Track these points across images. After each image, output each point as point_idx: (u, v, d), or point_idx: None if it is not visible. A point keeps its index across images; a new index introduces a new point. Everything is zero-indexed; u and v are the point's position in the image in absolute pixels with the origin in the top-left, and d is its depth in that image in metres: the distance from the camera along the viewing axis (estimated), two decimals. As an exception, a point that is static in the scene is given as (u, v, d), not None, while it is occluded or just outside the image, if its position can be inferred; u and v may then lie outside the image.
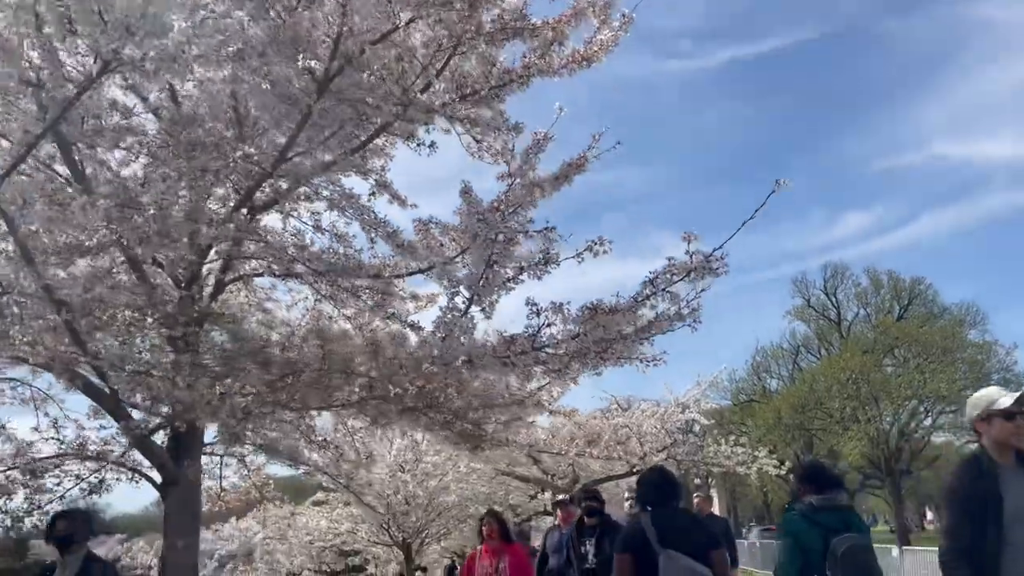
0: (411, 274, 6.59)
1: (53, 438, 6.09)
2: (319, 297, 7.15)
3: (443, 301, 4.55)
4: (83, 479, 5.98)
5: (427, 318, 6.02)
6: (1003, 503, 3.43)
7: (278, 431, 5.50)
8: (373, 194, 5.46)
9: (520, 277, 4.39)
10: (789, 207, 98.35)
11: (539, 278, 4.36)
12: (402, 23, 4.73)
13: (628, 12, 5.13)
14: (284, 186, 5.87)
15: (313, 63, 4.19)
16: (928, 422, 43.49)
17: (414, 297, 7.42)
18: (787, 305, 55.01)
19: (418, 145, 4.95)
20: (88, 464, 6.03)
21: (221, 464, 7.57)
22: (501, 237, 4.16)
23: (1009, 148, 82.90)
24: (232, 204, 5.57)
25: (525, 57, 5.63)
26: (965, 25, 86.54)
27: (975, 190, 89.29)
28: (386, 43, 4.66)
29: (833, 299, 53.83)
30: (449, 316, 4.26)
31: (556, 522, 7.96)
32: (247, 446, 6.24)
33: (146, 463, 6.24)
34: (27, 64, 4.01)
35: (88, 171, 4.72)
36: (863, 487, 50.68)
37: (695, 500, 10.29)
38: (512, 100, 5.68)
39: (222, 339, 4.97)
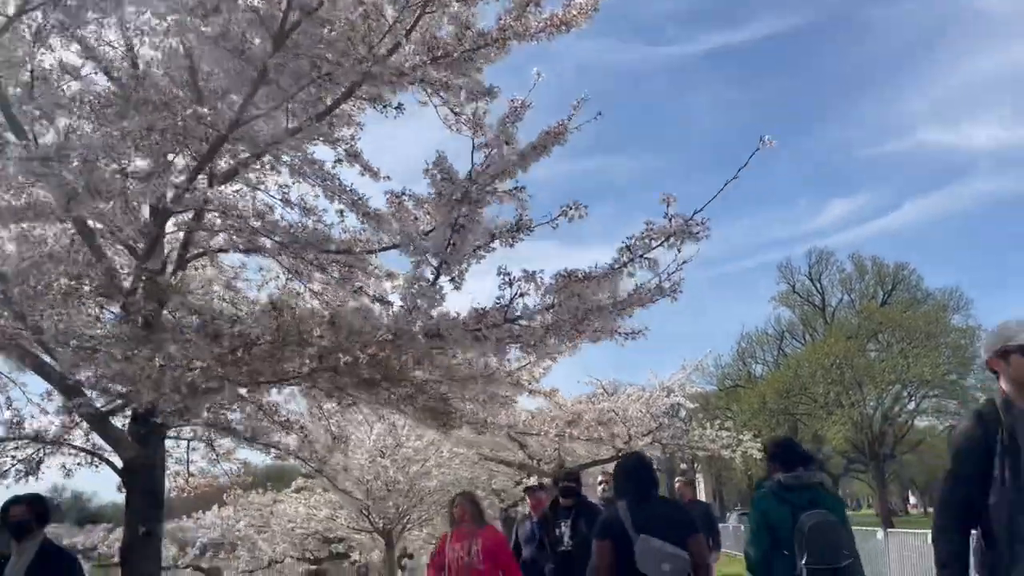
0: (383, 249, 6.31)
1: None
2: (290, 276, 6.88)
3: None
4: (19, 460, 5.69)
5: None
6: (1021, 454, 2.97)
7: (239, 410, 5.26)
8: (339, 161, 5.18)
9: (491, 245, 4.14)
10: (775, 195, 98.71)
11: (511, 245, 4.11)
12: (366, -24, 4.46)
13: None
14: (246, 154, 5.59)
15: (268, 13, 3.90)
16: (911, 406, 43.83)
17: (390, 276, 7.15)
18: (772, 292, 55.22)
19: (384, 107, 4.67)
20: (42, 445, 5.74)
21: (188, 448, 7.30)
22: (467, 196, 3.88)
23: (993, 135, 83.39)
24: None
25: (501, 19, 5.37)
26: (949, 12, 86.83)
27: (959, 177, 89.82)
28: (350, -2, 4.38)
29: (818, 285, 54.05)
30: (416, 287, 4.01)
31: (527, 511, 7.58)
32: (201, 426, 5.99)
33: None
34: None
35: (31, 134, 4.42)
36: (847, 471, 51.08)
37: (676, 485, 10.11)
38: (492, 75, 5.44)
39: (178, 315, 4.69)
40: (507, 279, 3.99)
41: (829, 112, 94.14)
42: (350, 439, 10.91)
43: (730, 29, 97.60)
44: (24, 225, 4.09)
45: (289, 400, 9.75)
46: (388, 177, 6.49)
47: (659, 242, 3.99)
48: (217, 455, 7.42)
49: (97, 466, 6.55)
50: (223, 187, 5.96)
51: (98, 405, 5.76)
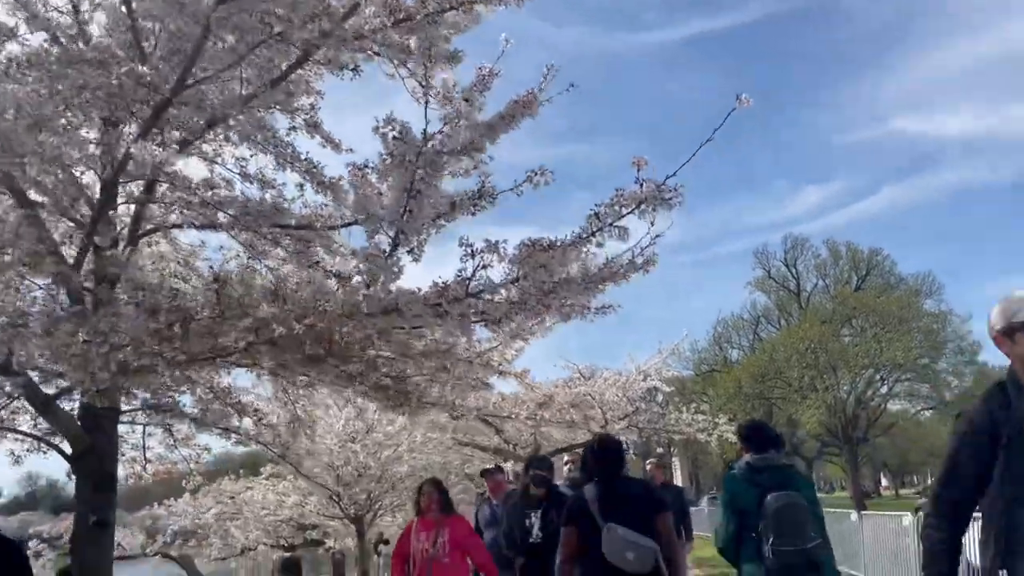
0: (346, 225, 6.05)
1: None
2: (252, 255, 6.59)
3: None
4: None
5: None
6: None
7: (188, 392, 4.99)
8: (294, 128, 4.90)
9: (452, 214, 3.89)
10: (751, 181, 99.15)
11: (473, 214, 3.87)
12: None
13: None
14: (200, 122, 5.29)
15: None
16: (884, 390, 44.32)
17: (355, 253, 6.88)
18: (748, 277, 55.46)
19: (340, 69, 4.39)
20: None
21: (144, 433, 7.00)
22: (422, 156, 3.62)
23: (966, 123, 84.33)
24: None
25: (467, -19, 5.09)
26: (924, 1, 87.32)
27: (932, 164, 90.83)
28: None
29: (793, 270, 54.40)
30: (370, 258, 3.75)
31: (485, 494, 7.33)
32: (144, 409, 5.71)
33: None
34: None
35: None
36: (821, 454, 51.62)
37: (647, 467, 9.94)
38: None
39: (123, 292, 4.39)
40: (469, 250, 3.75)
41: (806, 99, 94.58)
42: (317, 423, 10.64)
43: (709, 16, 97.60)
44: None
45: (257, 385, 9.51)
46: (351, 149, 6.20)
47: (630, 209, 3.76)
48: (175, 440, 7.12)
49: (45, 452, 6.26)
50: (175, 158, 5.67)
51: (46, 389, 5.47)
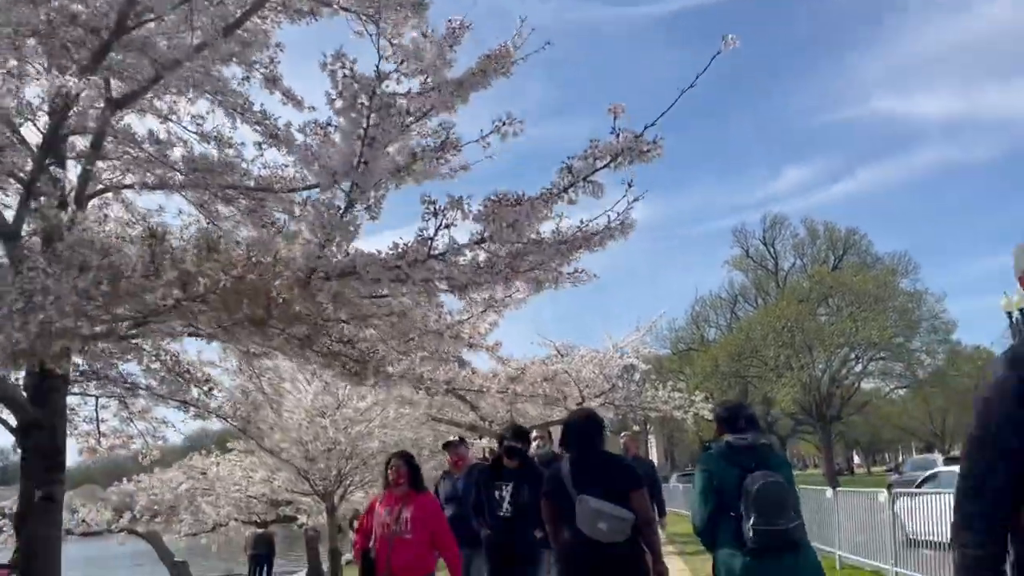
0: (307, 188, 5.75)
1: None
2: (211, 220, 6.26)
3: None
4: None
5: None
6: None
7: (134, 360, 4.68)
8: (247, 78, 4.56)
9: (413, 167, 3.59)
10: (731, 161, 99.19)
11: (438, 162, 3.57)
12: None
13: None
14: (151, 74, 4.93)
15: None
16: (858, 368, 44.61)
17: (303, 208, 6.57)
18: (727, 256, 55.50)
19: (295, 12, 4.06)
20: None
21: (97, 405, 6.66)
22: (375, 97, 3.29)
23: (944, 104, 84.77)
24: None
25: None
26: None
27: (911, 144, 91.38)
28: None
29: (771, 249, 54.48)
30: (324, 214, 3.45)
31: (447, 468, 7.04)
32: (83, 380, 5.39)
33: None
34: None
35: None
36: (795, 432, 52.09)
37: (622, 440, 9.81)
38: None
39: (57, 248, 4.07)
40: (431, 208, 3.45)
41: (786, 78, 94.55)
42: (284, 397, 10.36)
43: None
44: None
45: (224, 359, 9.16)
46: (313, 107, 5.90)
47: (605, 162, 3.48)
48: (131, 413, 6.80)
49: (-11, 424, 5.92)
50: (124, 112, 5.31)
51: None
